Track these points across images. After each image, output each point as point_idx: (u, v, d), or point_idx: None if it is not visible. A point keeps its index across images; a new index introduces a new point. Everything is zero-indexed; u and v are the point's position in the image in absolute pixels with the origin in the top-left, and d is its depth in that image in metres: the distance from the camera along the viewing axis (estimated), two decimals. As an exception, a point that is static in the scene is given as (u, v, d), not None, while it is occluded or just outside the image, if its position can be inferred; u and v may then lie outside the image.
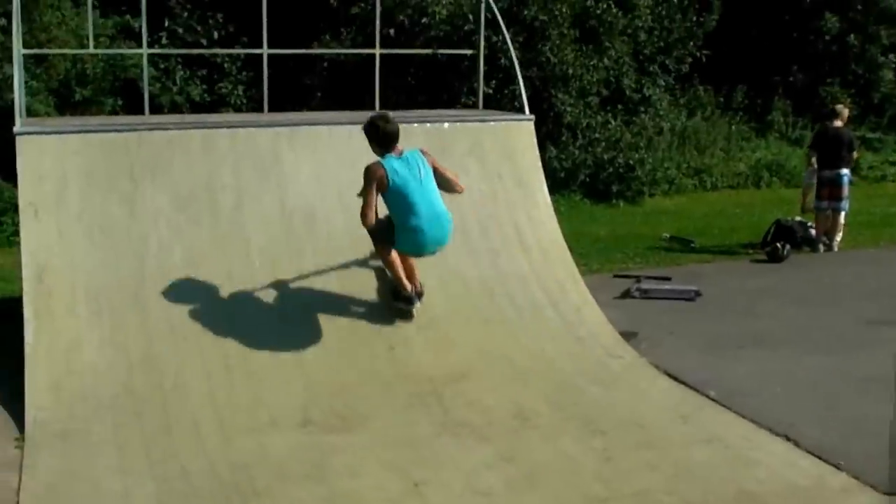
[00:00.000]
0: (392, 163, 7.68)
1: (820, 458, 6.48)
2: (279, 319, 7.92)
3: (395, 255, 7.99)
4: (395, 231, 7.77)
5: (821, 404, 7.45)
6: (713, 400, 7.46)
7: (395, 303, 8.16)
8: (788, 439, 6.75)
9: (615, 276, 11.40)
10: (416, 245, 7.83)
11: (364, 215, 7.65)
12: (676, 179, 18.78)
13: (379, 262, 8.33)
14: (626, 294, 10.49)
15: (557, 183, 16.29)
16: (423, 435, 6.73)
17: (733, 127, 20.87)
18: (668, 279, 11.11)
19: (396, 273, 8.03)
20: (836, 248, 13.28)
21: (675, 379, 7.88)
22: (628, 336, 8.69)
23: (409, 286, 8.07)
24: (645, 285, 10.67)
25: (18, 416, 6.90)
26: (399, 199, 7.67)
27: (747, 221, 15.21)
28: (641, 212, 16.76)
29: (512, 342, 8.17)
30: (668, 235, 13.79)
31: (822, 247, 13.19)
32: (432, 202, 7.75)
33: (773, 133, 21.73)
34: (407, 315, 8.15)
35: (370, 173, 7.64)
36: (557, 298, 8.78)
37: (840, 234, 13.35)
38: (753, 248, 13.24)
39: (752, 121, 21.66)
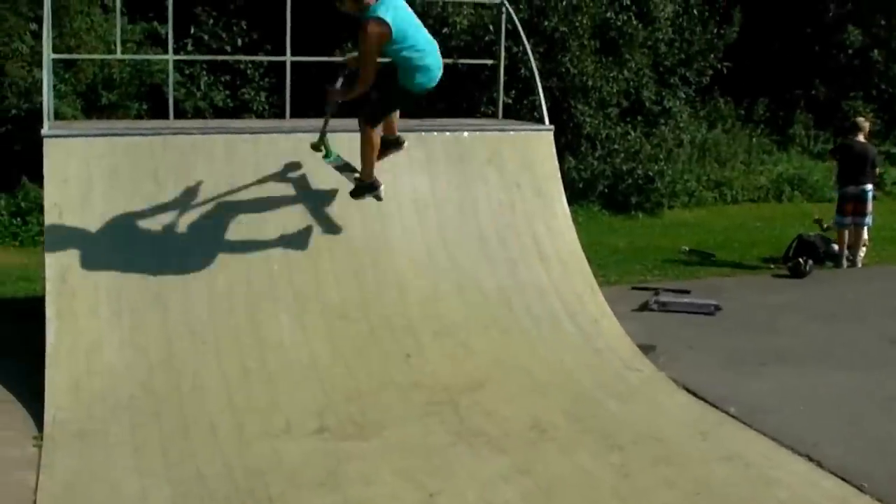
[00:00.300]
0: (387, 10, 7.40)
1: (843, 479, 6.31)
2: (296, 324, 7.88)
3: (377, 138, 8.00)
4: (400, 76, 7.65)
5: (844, 423, 7.28)
6: (733, 416, 7.32)
7: (358, 196, 8.20)
8: (811, 459, 6.59)
9: (633, 288, 11.29)
10: (430, 78, 7.78)
11: (365, 81, 7.54)
12: (696, 192, 18.71)
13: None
14: (645, 307, 10.36)
15: (576, 193, 16.24)
16: (438, 444, 6.66)
17: (754, 140, 20.77)
18: (687, 292, 10.97)
19: (372, 157, 8.00)
20: (859, 264, 13.05)
21: (694, 394, 7.76)
22: (646, 349, 8.58)
23: (374, 174, 8.11)
24: (663, 298, 10.56)
25: (38, 414, 6.90)
26: (406, 42, 7.53)
27: (768, 235, 15.08)
28: (660, 224, 16.68)
29: (529, 353, 8.10)
30: (687, 248, 13.69)
31: (845, 262, 12.97)
32: (425, 32, 7.74)
33: (795, 147, 21.58)
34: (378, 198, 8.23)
35: (374, 36, 7.39)
36: (575, 310, 8.71)
37: (864, 250, 13.14)
38: (775, 262, 13.04)
39: (774, 134, 21.54)
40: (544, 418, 7.08)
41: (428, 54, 7.64)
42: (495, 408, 7.21)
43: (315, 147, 8.31)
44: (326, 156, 8.37)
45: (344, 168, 8.42)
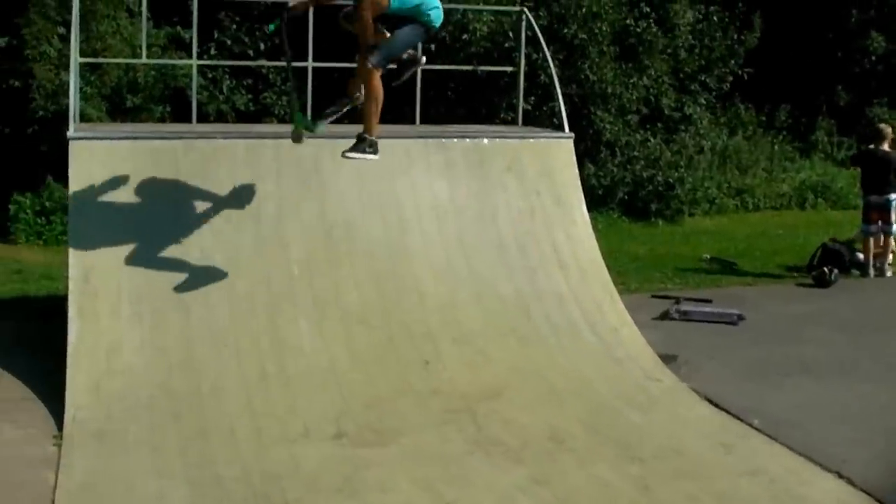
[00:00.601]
0: None
1: (874, 497, 6.13)
2: (316, 328, 7.86)
3: (381, 86, 7.49)
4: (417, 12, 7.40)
5: (875, 438, 7.02)
6: (757, 429, 7.13)
7: (357, 154, 7.63)
8: (840, 476, 6.38)
9: (654, 296, 11.15)
10: (439, 14, 7.53)
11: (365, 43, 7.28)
12: (717, 199, 18.59)
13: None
14: (665, 315, 10.23)
15: (596, 200, 16.16)
16: (455, 452, 6.59)
17: (776, 146, 20.61)
18: (708, 301, 10.82)
19: (377, 109, 7.49)
20: (888, 273, 12.74)
21: (717, 405, 7.60)
22: (667, 359, 8.47)
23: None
24: (685, 307, 10.42)
25: (58, 414, 6.91)
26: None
27: (791, 244, 14.87)
28: (681, 231, 16.57)
29: (548, 361, 8.04)
30: (708, 256, 13.56)
31: (872, 271, 12.66)
32: None
33: (818, 154, 21.36)
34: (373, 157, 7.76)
35: (368, 11, 7.21)
36: (595, 318, 8.64)
37: (890, 258, 12.81)
38: (799, 271, 12.80)
39: (796, 140, 21.35)
40: (562, 428, 7.01)
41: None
42: (513, 417, 7.15)
43: (296, 133, 8.05)
44: (311, 128, 8.09)
45: (334, 111, 8.07)
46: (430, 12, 7.47)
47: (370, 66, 7.36)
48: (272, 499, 5.89)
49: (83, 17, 10.94)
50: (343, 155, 7.65)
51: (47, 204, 14.81)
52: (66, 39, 14.10)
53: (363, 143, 7.62)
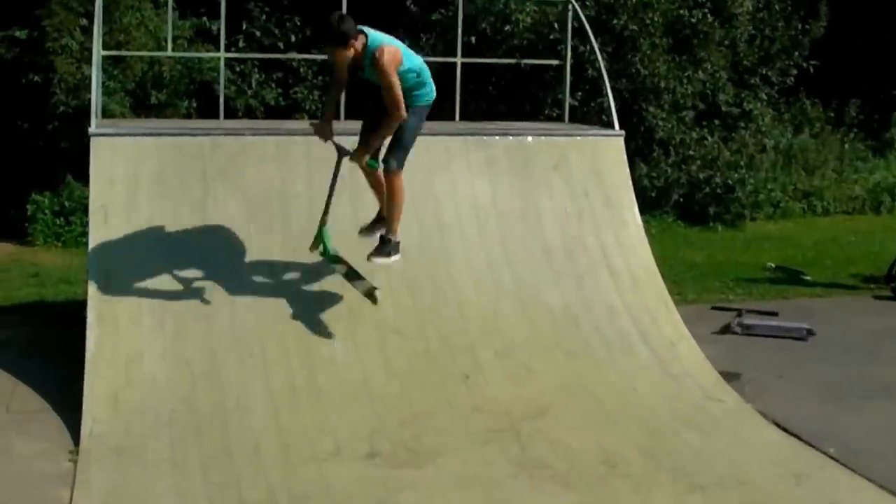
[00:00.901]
0: (381, 35, 7.46)
1: None
2: (349, 339, 7.82)
3: (403, 186, 7.73)
4: (415, 97, 7.58)
5: None
6: (833, 458, 6.87)
7: (382, 258, 7.83)
8: None
9: (713, 307, 10.96)
10: (432, 87, 7.79)
11: (400, 107, 7.35)
12: (782, 202, 18.32)
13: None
14: (727, 329, 10.05)
15: (648, 203, 16.00)
16: (497, 475, 6.49)
17: (846, 145, 20.19)
18: (774, 314, 10.60)
19: (400, 210, 7.74)
20: None
21: (786, 430, 7.36)
22: (730, 377, 8.28)
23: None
24: (748, 320, 10.21)
25: (74, 426, 6.92)
26: (412, 64, 7.56)
27: (866, 251, 14.50)
28: (742, 237, 16.36)
29: (598, 377, 7.94)
30: (773, 265, 13.32)
31: None
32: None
33: (894, 152, 20.98)
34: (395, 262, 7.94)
35: (394, 60, 7.35)
36: (649, 330, 8.53)
37: None
38: (875, 282, 12.35)
39: (868, 138, 20.88)
40: (615, 451, 6.87)
41: (423, 68, 7.68)
42: (560, 437, 7.04)
43: (315, 243, 7.95)
44: (324, 253, 8.00)
45: (351, 275, 8.01)
46: (425, 84, 7.68)
47: (393, 170, 7.59)
48: (300, 523, 5.85)
49: (106, 7, 10.98)
50: (368, 259, 7.86)
51: (67, 204, 14.89)
52: (88, 31, 14.16)
53: (387, 246, 7.84)
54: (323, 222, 7.87)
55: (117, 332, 7.50)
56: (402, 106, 7.34)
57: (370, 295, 7.87)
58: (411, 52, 7.62)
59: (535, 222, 8.97)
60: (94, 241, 8.01)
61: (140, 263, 7.90)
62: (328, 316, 7.91)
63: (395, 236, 7.82)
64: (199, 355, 7.48)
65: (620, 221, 9.27)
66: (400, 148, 7.59)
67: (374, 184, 7.92)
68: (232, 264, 8.06)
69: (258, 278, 8.01)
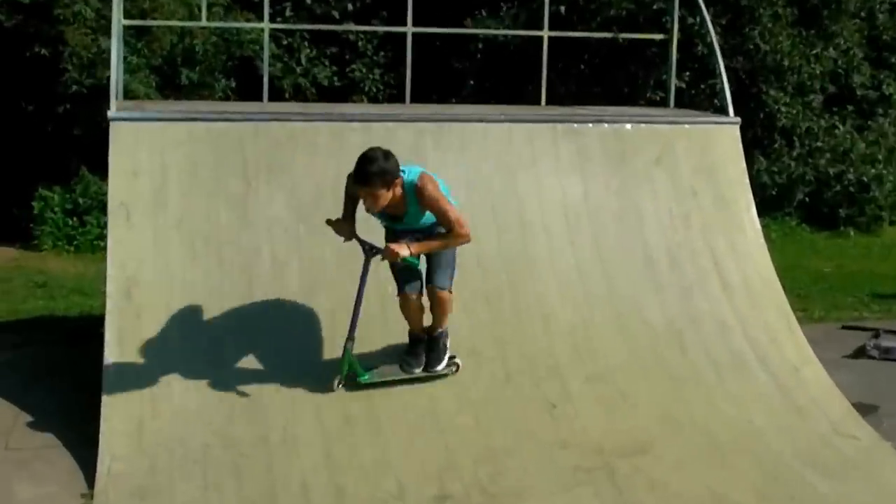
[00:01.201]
0: (413, 165, 7.49)
1: None
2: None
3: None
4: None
5: None
6: None
7: (443, 367, 7.85)
8: None
9: (844, 327, 10.99)
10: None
11: (466, 224, 7.34)
12: (927, 204, 18.19)
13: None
14: (861, 352, 10.05)
15: (768, 203, 15.97)
16: (589, 524, 6.51)
17: None
18: (918, 336, 10.56)
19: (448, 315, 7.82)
20: None
21: (933, 474, 7.31)
22: (865, 409, 8.28)
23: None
24: (886, 342, 10.19)
25: (88, 465, 6.93)
26: (443, 184, 7.53)
27: None
28: (879, 244, 16.28)
29: (707, 407, 7.93)
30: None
31: None
32: None
33: None
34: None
35: (434, 186, 7.32)
36: (768, 353, 8.52)
37: None
38: None
39: None
40: (728, 495, 6.88)
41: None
42: (662, 478, 7.04)
43: (342, 374, 7.60)
44: (359, 377, 7.64)
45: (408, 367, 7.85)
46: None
47: (446, 288, 7.58)
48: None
49: (129, -31, 11.10)
50: (429, 371, 7.84)
51: (80, 201, 15.04)
52: (106, -2, 14.30)
53: (438, 345, 7.84)
54: (349, 345, 7.49)
55: (141, 353, 7.56)
56: (467, 224, 7.33)
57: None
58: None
59: (634, 225, 9.00)
60: (114, 245, 8.04)
61: (169, 272, 7.96)
62: (389, 334, 7.95)
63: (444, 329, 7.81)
64: (238, 380, 7.53)
65: (735, 225, 9.29)
66: (447, 267, 7.56)
67: (411, 310, 7.70)
68: (278, 274, 8.10)
69: (308, 290, 8.06)
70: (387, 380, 7.70)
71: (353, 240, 7.53)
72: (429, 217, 7.35)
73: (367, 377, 7.60)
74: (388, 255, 7.30)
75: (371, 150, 7.13)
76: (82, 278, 12.52)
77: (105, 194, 8.43)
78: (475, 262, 8.40)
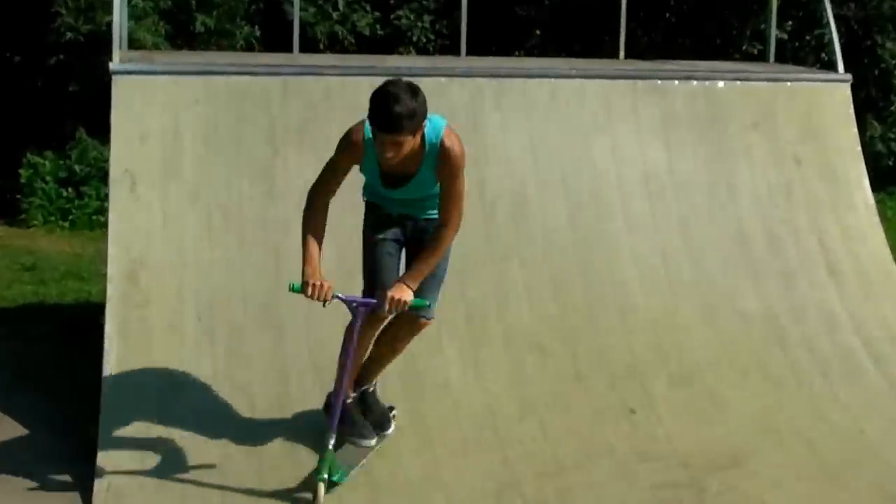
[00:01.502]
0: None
1: None
2: (468, 356, 7.91)
3: None
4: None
5: None
6: None
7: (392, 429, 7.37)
8: None
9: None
10: None
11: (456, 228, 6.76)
12: None
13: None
14: None
15: (883, 175, 15.89)
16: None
17: None
18: None
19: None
20: None
21: None
22: None
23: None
24: None
25: (82, 482, 6.92)
26: None
27: None
28: None
29: (812, 414, 7.94)
30: None
31: None
32: None
33: None
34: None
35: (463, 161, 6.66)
36: (884, 352, 8.53)
37: None
38: None
39: None
40: (836, 518, 6.87)
41: None
42: (760, 497, 7.04)
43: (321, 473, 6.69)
44: (334, 474, 6.79)
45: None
46: None
47: (430, 318, 6.95)
48: None
49: None
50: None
51: (77, 168, 15.00)
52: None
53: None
54: (331, 440, 6.70)
55: (148, 347, 7.60)
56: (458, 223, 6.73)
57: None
58: None
59: (727, 199, 9.03)
60: (117, 220, 8.07)
61: (181, 252, 8.01)
62: (440, 326, 7.77)
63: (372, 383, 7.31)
64: (265, 380, 7.56)
65: (845, 201, 9.31)
66: (437, 285, 6.95)
67: (364, 343, 6.99)
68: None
69: (345, 273, 8.01)
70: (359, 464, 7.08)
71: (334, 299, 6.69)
72: (431, 187, 6.70)
73: (341, 475, 6.80)
74: (392, 306, 6.54)
75: (391, 84, 6.34)
76: (78, 260, 12.49)
77: (106, 161, 8.45)
78: (541, 243, 8.51)
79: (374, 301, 6.61)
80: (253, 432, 7.25)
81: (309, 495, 6.57)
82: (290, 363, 7.67)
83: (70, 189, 14.97)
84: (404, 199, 6.80)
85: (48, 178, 14.97)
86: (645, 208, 8.83)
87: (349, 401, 6.94)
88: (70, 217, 14.83)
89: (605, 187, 8.74)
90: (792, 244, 8.99)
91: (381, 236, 6.92)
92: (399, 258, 6.97)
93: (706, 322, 8.42)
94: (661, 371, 8.05)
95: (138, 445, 7.09)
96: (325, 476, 6.53)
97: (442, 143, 6.48)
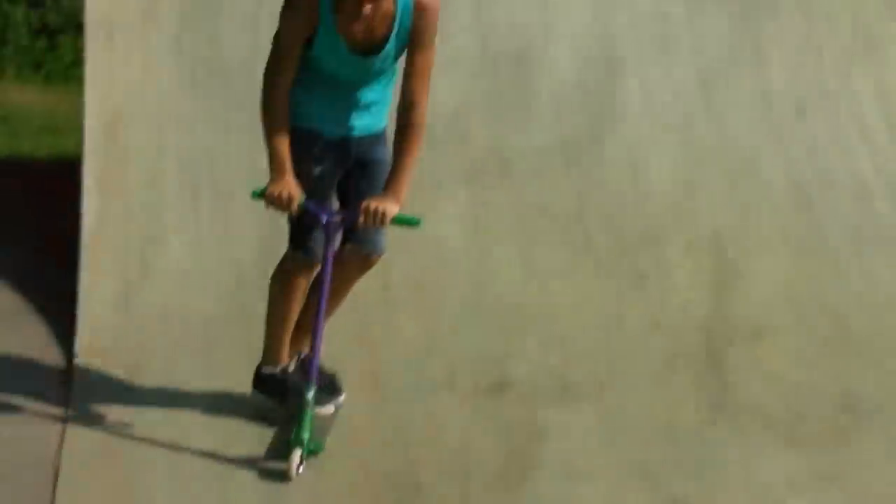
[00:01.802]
0: None
1: None
2: (468, 222, 7.93)
3: None
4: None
5: None
6: None
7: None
8: None
9: None
10: None
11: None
12: None
13: None
14: None
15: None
16: (687, 423, 6.57)
17: None
18: None
19: None
20: None
21: None
22: None
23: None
24: None
25: (63, 339, 7.00)
26: None
27: None
28: None
29: (838, 286, 7.94)
30: None
31: None
32: None
33: None
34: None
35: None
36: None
37: None
38: None
39: None
40: (865, 397, 6.88)
41: None
42: (781, 371, 7.08)
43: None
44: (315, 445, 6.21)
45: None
46: None
47: (378, 255, 6.20)
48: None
49: None
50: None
51: (51, 17, 15.00)
52: None
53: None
54: (310, 397, 5.99)
55: (127, 203, 7.62)
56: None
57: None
58: None
59: (749, 57, 8.95)
60: (91, 71, 8.03)
61: (161, 105, 8.00)
62: (439, 187, 7.95)
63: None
64: (250, 238, 7.59)
65: (880, 59, 9.20)
66: (378, 232, 6.16)
67: (300, 293, 6.26)
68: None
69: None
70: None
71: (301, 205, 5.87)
72: (392, 64, 5.92)
73: (317, 444, 6.03)
74: (375, 219, 5.78)
75: None
76: (53, 113, 12.51)
77: (82, 9, 8.34)
78: (549, 105, 8.46)
79: (353, 212, 5.86)
80: (240, 291, 7.32)
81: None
82: (276, 215, 7.59)
83: (44, 38, 14.98)
84: (362, 88, 5.95)
85: (21, 27, 15.00)
86: (660, 65, 8.75)
87: (290, 370, 6.38)
88: (44, 69, 14.89)
89: (620, 42, 8.65)
90: (821, 107, 8.90)
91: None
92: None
93: (727, 187, 8.39)
94: (677, 237, 8.03)
95: (119, 302, 7.18)
96: (305, 442, 5.86)
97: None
